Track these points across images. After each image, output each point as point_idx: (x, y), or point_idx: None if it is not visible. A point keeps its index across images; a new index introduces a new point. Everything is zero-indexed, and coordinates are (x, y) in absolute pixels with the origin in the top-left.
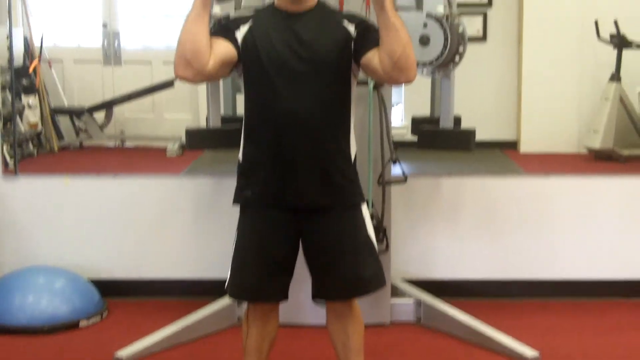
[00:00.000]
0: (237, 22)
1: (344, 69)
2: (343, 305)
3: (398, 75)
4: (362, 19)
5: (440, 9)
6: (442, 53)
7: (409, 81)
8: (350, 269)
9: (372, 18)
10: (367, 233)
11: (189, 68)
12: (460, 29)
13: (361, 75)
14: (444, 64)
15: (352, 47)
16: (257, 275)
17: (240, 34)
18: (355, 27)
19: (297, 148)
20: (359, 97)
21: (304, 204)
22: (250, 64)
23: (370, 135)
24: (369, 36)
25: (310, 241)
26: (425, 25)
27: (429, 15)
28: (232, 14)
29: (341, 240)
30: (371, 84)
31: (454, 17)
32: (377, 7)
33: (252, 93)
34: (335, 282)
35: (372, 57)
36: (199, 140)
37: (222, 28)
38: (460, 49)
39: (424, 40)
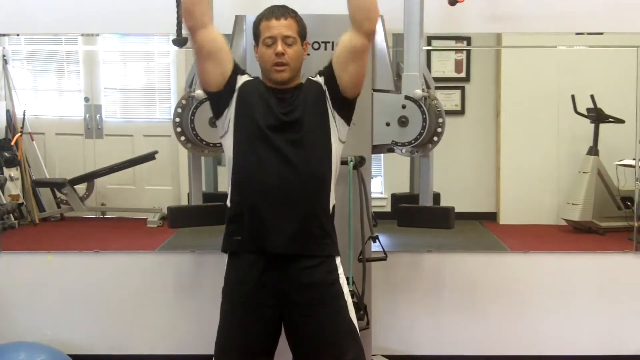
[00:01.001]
0: (242, 69)
1: (325, 126)
2: None
3: (367, 24)
4: (324, 66)
5: (418, 91)
6: (420, 134)
7: (374, 29)
8: (332, 356)
9: None
10: (348, 317)
11: (190, 16)
12: (439, 110)
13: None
14: (423, 144)
15: (326, 88)
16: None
17: (242, 79)
18: (320, 74)
19: (277, 200)
20: (340, 175)
21: (281, 249)
22: (240, 116)
23: (351, 213)
24: (329, 63)
25: (293, 327)
26: (404, 107)
27: (407, 97)
28: None
29: (323, 329)
30: (351, 164)
31: (432, 99)
32: None
33: (239, 145)
34: None
35: (336, 48)
36: (181, 219)
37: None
38: (439, 129)
39: (403, 122)
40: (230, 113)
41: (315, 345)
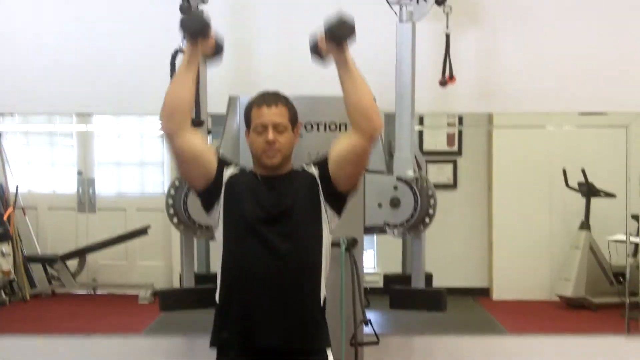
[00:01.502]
0: (229, 160)
1: (316, 217)
2: None
3: (367, 123)
4: (320, 157)
5: (410, 173)
6: (412, 215)
7: (376, 130)
8: None
9: None
10: None
11: (171, 120)
12: (430, 192)
13: (333, 239)
14: (415, 225)
15: (319, 181)
16: None
17: (228, 173)
18: (315, 165)
19: (268, 294)
20: (332, 259)
21: (273, 345)
22: (228, 210)
23: (343, 296)
24: (325, 155)
25: None
26: (395, 188)
27: (399, 179)
28: None
29: None
30: (343, 246)
31: (424, 180)
32: (340, 62)
33: (227, 239)
34: None
35: (334, 145)
36: (172, 302)
37: (216, 151)
38: (430, 210)
39: (395, 203)
40: (219, 207)
41: None
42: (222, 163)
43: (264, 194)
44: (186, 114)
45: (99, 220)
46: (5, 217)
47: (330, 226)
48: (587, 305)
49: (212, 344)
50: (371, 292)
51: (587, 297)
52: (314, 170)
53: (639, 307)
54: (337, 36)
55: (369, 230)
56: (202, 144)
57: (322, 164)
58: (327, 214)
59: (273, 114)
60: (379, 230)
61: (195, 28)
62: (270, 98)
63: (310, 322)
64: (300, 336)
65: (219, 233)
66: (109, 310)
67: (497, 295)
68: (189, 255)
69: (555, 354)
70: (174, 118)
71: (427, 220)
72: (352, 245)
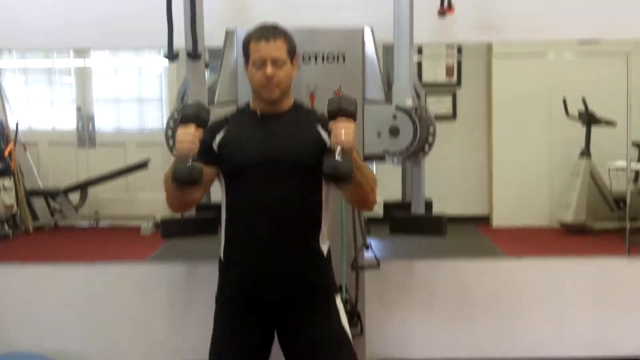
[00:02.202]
0: (213, 130)
1: (315, 171)
2: None
3: (359, 208)
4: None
5: (409, 102)
6: (411, 143)
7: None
8: None
9: None
10: (341, 325)
11: (181, 210)
12: (429, 119)
13: None
14: (414, 153)
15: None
16: None
17: (216, 143)
18: (330, 136)
19: (270, 247)
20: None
21: (277, 299)
22: (226, 168)
23: (343, 222)
24: None
25: (286, 337)
26: (394, 117)
27: (398, 108)
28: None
29: (316, 336)
30: None
31: (423, 108)
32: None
33: (228, 193)
34: None
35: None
36: (173, 230)
37: (200, 147)
38: (430, 138)
39: (394, 132)
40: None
41: (310, 353)
42: (210, 144)
43: (264, 135)
44: (193, 203)
45: (99, 156)
46: (6, 153)
47: None
48: (588, 230)
49: (217, 299)
50: (371, 222)
51: (588, 223)
52: (326, 138)
53: (638, 231)
54: (336, 179)
55: (368, 158)
56: (204, 184)
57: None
58: None
59: (271, 49)
60: (378, 158)
61: (188, 181)
62: (268, 32)
63: (313, 272)
64: (302, 287)
65: (222, 188)
66: (112, 242)
67: (497, 222)
68: None
69: (556, 276)
70: (183, 210)
71: (426, 148)
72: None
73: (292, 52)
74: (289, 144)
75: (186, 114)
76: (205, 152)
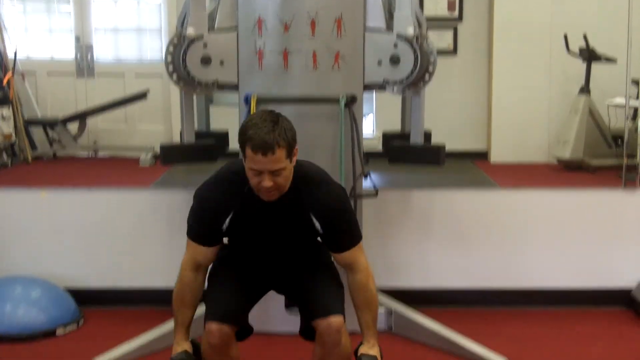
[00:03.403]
0: (221, 214)
1: (310, 239)
2: (333, 334)
3: None
4: (329, 210)
5: (410, 30)
6: (412, 72)
7: None
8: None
9: None
10: (335, 269)
11: None
12: (430, 49)
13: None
14: (414, 82)
15: (321, 236)
16: (233, 302)
17: (226, 224)
18: (322, 224)
19: (272, 259)
20: (331, 114)
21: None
22: (233, 241)
23: (342, 151)
24: (337, 235)
25: (287, 286)
26: (395, 45)
27: (399, 36)
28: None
29: (316, 272)
30: (342, 102)
31: (424, 38)
32: None
33: (232, 241)
34: (322, 300)
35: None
36: (173, 156)
37: (201, 231)
38: (430, 68)
39: (395, 60)
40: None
41: (301, 272)
42: (215, 228)
43: (264, 224)
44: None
45: (97, 86)
46: (4, 82)
47: None
48: (585, 167)
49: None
50: (370, 156)
51: (585, 159)
52: (319, 227)
53: (636, 168)
54: None
55: (368, 87)
56: (206, 259)
57: (329, 237)
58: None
59: (270, 162)
60: (378, 87)
61: None
62: (266, 143)
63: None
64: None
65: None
66: (111, 172)
67: (495, 158)
68: (188, 112)
69: (551, 207)
70: None
71: (426, 77)
72: (351, 101)
73: (291, 151)
74: (286, 235)
75: None
76: (210, 237)
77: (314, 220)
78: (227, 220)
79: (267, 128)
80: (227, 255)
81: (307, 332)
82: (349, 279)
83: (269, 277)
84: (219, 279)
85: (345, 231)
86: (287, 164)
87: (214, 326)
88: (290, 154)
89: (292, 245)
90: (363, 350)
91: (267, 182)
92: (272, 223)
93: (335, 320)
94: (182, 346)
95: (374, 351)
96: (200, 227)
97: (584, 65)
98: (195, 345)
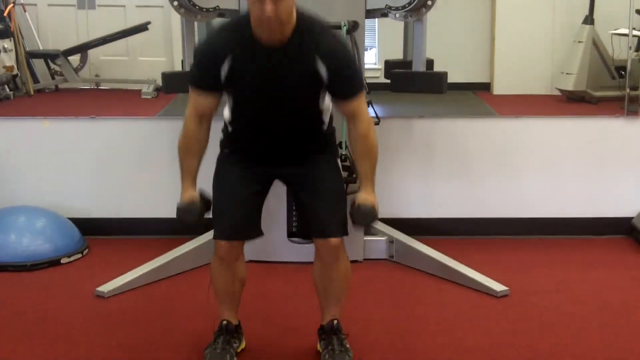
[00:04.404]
0: (216, 61)
1: (315, 96)
2: (331, 251)
3: None
4: (334, 54)
5: None
6: None
7: None
8: (333, 210)
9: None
10: (342, 181)
11: None
12: None
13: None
14: (417, 8)
15: (325, 86)
16: (238, 216)
17: (224, 72)
18: (328, 69)
19: (275, 138)
20: None
21: (281, 161)
22: (234, 92)
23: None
24: (342, 85)
25: (293, 186)
26: None
27: None
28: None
29: (322, 183)
30: (344, 28)
31: None
32: None
33: (235, 102)
34: (323, 220)
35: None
36: (175, 84)
37: (202, 77)
38: None
39: None
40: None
41: (315, 182)
42: (214, 73)
43: (267, 73)
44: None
45: (98, 17)
46: (5, 14)
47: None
48: (588, 98)
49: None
50: (372, 87)
51: (588, 91)
52: (324, 74)
53: (638, 100)
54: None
55: (370, 13)
56: (208, 108)
57: (334, 85)
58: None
59: None
60: (381, 14)
61: (191, 220)
62: None
63: (316, 144)
64: (308, 157)
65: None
66: (113, 103)
67: (497, 89)
68: (190, 40)
69: (554, 135)
70: None
71: (429, 2)
72: (354, 28)
73: None
74: (289, 85)
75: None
76: (211, 82)
77: (320, 64)
78: (227, 64)
79: None
80: (227, 154)
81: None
82: (351, 129)
83: (272, 166)
84: (222, 186)
85: (351, 77)
86: None
87: (223, 244)
88: None
89: (296, 109)
90: (361, 198)
91: (269, 6)
92: (274, 72)
93: (334, 241)
94: (189, 193)
95: (372, 198)
96: (200, 70)
97: None
98: (203, 195)
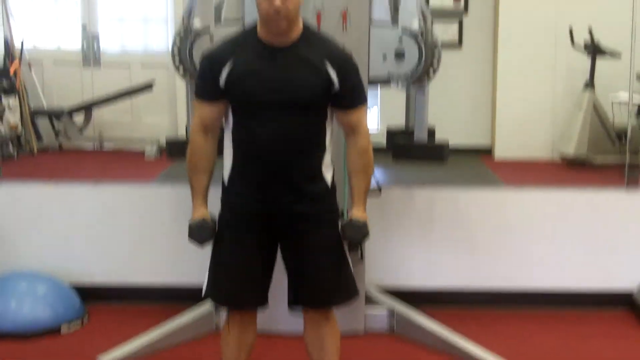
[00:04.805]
0: (219, 65)
1: (321, 104)
2: (320, 314)
3: None
4: (344, 60)
5: (415, 25)
6: (416, 67)
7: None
8: (328, 279)
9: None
10: (343, 247)
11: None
12: (435, 44)
13: None
14: (419, 77)
15: (332, 93)
16: (238, 282)
17: (223, 78)
18: (338, 74)
19: (275, 167)
20: None
21: (279, 212)
22: (234, 98)
23: (345, 146)
24: (351, 93)
25: (289, 249)
26: (400, 40)
27: (404, 30)
28: (212, 28)
29: (320, 251)
30: None
31: (429, 32)
32: None
33: (235, 119)
34: (313, 290)
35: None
36: (179, 150)
37: (205, 86)
38: (435, 63)
39: (399, 55)
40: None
41: (311, 257)
42: (217, 78)
43: (272, 72)
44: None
45: (103, 76)
46: (11, 72)
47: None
48: (589, 163)
49: (220, 218)
50: (374, 151)
51: (589, 156)
52: (334, 77)
53: (638, 165)
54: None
55: (373, 81)
56: (214, 118)
57: (342, 93)
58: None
59: None
60: (383, 82)
61: (204, 239)
62: None
63: (317, 194)
64: (308, 203)
65: (229, 119)
66: (116, 164)
67: (499, 153)
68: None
69: (555, 206)
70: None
71: (431, 72)
72: None
73: None
74: (297, 84)
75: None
76: (212, 91)
77: (330, 68)
78: (227, 67)
79: None
80: (227, 219)
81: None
82: (350, 143)
83: (272, 215)
84: (225, 251)
85: (358, 86)
86: None
87: (236, 316)
88: None
89: (303, 123)
90: (354, 214)
91: (277, 1)
92: (282, 72)
93: (323, 311)
94: (200, 212)
95: (364, 216)
96: (202, 80)
97: (588, 60)
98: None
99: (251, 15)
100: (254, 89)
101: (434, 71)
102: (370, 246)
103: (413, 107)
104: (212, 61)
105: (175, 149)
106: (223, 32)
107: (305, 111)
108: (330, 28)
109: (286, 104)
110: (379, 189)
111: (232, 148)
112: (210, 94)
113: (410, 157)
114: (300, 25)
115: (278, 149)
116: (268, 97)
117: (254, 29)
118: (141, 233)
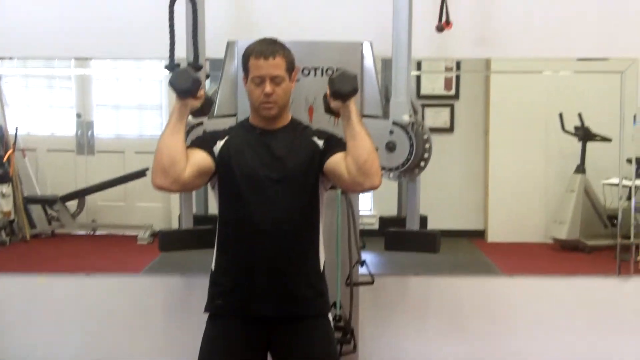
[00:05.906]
0: (215, 136)
1: (313, 182)
2: None
3: (363, 179)
4: (331, 134)
5: (406, 117)
6: (407, 159)
7: (373, 187)
8: None
9: (340, 132)
10: (334, 346)
11: (166, 176)
12: (426, 136)
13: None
14: (410, 169)
15: (319, 156)
16: None
17: (217, 148)
18: (324, 142)
19: (265, 259)
20: (327, 200)
21: (269, 313)
22: (224, 178)
23: (338, 237)
24: (334, 144)
25: (279, 354)
26: (391, 132)
27: (395, 123)
28: (206, 121)
29: (310, 353)
30: (339, 189)
31: (419, 125)
32: (345, 118)
33: (225, 205)
34: None
35: (338, 162)
36: (172, 242)
37: (201, 140)
38: (426, 155)
39: (390, 147)
40: (215, 177)
41: None
42: (211, 147)
43: (262, 151)
44: (182, 168)
45: (97, 163)
46: (5, 159)
47: (325, 186)
48: (581, 247)
49: (206, 310)
50: (367, 234)
51: (581, 240)
52: (320, 144)
53: (630, 249)
54: (341, 94)
55: None
56: (197, 165)
57: (327, 147)
58: (323, 180)
59: (270, 67)
60: None
61: (185, 87)
62: (267, 49)
63: (308, 289)
64: (297, 303)
65: (217, 200)
66: (109, 250)
67: (492, 237)
68: (187, 197)
69: (548, 294)
70: (168, 174)
71: (422, 164)
72: (346, 190)
73: (290, 68)
74: (287, 157)
75: (181, 89)
76: (206, 146)
77: (317, 139)
78: (222, 141)
79: (268, 42)
80: (213, 324)
81: None
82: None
83: (261, 313)
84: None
85: (341, 140)
86: (286, 77)
87: None
88: (289, 68)
89: (293, 201)
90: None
91: (268, 87)
92: (273, 151)
93: None
94: None
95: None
96: (200, 139)
97: (579, 145)
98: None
99: (244, 109)
100: (244, 168)
101: (425, 162)
102: (363, 337)
103: (405, 195)
104: (211, 134)
105: (167, 241)
106: (216, 125)
107: (295, 189)
108: (322, 122)
109: (276, 183)
110: (372, 279)
111: (219, 233)
112: (204, 145)
113: (402, 247)
114: (289, 117)
115: (267, 233)
116: (258, 176)
117: (246, 118)
118: (132, 325)
